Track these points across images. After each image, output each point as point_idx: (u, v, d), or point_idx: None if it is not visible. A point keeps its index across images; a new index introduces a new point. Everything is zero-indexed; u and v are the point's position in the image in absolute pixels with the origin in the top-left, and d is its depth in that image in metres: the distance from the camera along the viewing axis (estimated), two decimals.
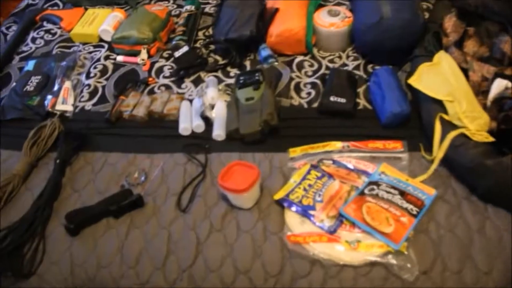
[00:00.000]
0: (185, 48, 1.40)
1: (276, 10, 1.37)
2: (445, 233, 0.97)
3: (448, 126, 1.07)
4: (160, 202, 1.07)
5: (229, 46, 1.37)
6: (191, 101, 1.29)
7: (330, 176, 1.06)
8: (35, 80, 1.43)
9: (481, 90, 1.13)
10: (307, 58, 1.37)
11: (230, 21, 1.41)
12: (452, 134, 1.04)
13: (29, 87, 1.41)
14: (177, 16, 1.59)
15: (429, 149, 1.10)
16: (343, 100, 1.19)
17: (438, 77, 1.13)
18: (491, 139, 1.04)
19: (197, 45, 1.48)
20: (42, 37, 1.63)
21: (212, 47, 1.45)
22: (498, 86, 1.08)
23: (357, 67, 1.33)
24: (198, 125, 1.22)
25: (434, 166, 1.06)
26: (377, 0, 1.29)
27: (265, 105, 1.18)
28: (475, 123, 1.05)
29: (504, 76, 1.11)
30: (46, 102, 1.35)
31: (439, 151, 1.06)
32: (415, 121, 1.17)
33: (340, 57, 1.37)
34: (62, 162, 1.16)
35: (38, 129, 1.24)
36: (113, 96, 1.34)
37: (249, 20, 1.38)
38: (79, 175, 1.16)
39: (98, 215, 1.06)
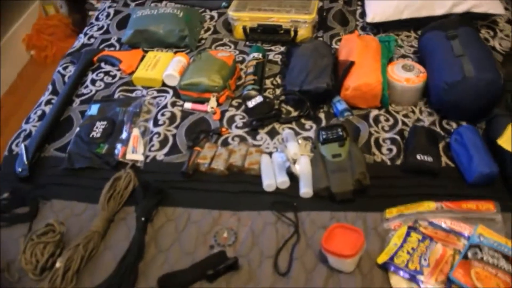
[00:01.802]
0: (259, 99, 1.40)
1: (352, 63, 1.38)
2: None
3: None
4: (255, 265, 1.05)
5: (304, 97, 1.37)
6: (270, 154, 1.28)
7: (431, 238, 1.06)
8: (100, 126, 1.41)
9: None
10: (382, 112, 1.38)
11: (304, 71, 1.41)
12: None
13: (96, 134, 1.38)
14: (240, 62, 1.59)
15: None
16: (430, 159, 1.20)
17: None
18: None
19: (266, 94, 1.47)
20: (102, 79, 1.61)
21: (283, 97, 1.45)
22: None
23: (432, 123, 1.34)
24: (283, 182, 1.20)
25: None
26: (458, 58, 1.31)
27: (355, 163, 1.18)
28: None
29: None
30: (116, 151, 1.32)
31: None
32: (499, 180, 1.18)
33: (413, 111, 1.38)
34: (145, 219, 1.14)
35: (114, 181, 1.21)
36: (187, 146, 1.33)
37: (323, 71, 1.38)
38: (162, 234, 1.13)
39: (193, 279, 1.03)
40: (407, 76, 1.36)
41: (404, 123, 1.34)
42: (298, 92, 1.39)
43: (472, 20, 1.58)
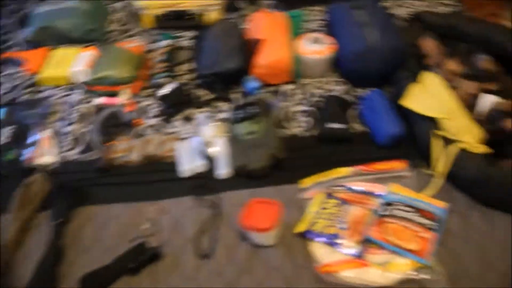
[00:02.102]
0: (172, 85, 1.37)
1: (261, 40, 1.38)
2: (462, 243, 1.03)
3: (444, 142, 1.14)
4: (179, 252, 1.04)
5: (216, 80, 1.36)
6: (186, 140, 1.27)
7: (348, 202, 1.08)
8: (8, 131, 1.34)
9: (467, 105, 1.21)
10: (293, 86, 1.39)
11: (214, 54, 1.40)
12: (455, 148, 1.11)
13: (4, 139, 1.31)
14: (151, 51, 1.55)
15: (426, 165, 1.16)
16: (342, 126, 1.23)
17: (429, 96, 1.20)
18: (489, 150, 1.12)
19: (183, 80, 1.45)
20: (6, 82, 1.52)
21: (197, 81, 1.43)
22: (489, 101, 1.17)
23: (345, 92, 1.37)
24: (201, 165, 1.19)
25: (440, 181, 1.12)
26: (362, 28, 1.34)
27: (270, 138, 1.19)
28: (471, 137, 1.13)
29: (489, 92, 1.20)
30: (24, 156, 1.26)
31: (443, 166, 1.12)
32: (407, 140, 1.23)
33: (326, 83, 1.40)
34: (60, 222, 1.09)
35: (23, 188, 1.15)
36: (101, 142, 1.28)
37: (233, 52, 1.38)
38: (82, 234, 1.09)
39: (115, 275, 1.00)
40: (316, 48, 1.38)
41: (317, 94, 1.37)
42: (210, 74, 1.38)
43: None
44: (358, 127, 1.28)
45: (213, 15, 1.60)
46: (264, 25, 1.43)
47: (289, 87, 1.39)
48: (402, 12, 1.64)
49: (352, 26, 1.36)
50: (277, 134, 1.22)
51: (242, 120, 1.24)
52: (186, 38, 1.59)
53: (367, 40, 1.30)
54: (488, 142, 1.16)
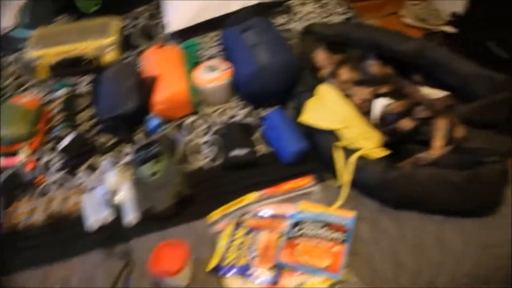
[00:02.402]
0: (71, 136, 1.32)
1: (155, 77, 1.36)
2: (373, 249, 1.04)
3: (345, 151, 1.15)
4: None
5: (117, 123, 1.33)
6: (91, 191, 1.22)
7: (257, 229, 1.07)
8: None
9: (363, 111, 1.24)
10: (196, 117, 1.38)
11: (111, 97, 1.37)
12: (354, 157, 1.13)
13: None
14: (48, 103, 1.49)
15: (333, 176, 1.17)
16: (244, 152, 1.22)
17: (325, 108, 1.22)
18: (387, 152, 1.15)
19: (83, 128, 1.40)
20: None
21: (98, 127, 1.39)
22: (380, 105, 1.20)
23: (247, 114, 1.37)
24: (108, 215, 1.15)
25: (346, 191, 1.13)
26: (252, 49, 1.35)
27: (173, 176, 1.16)
28: (370, 142, 1.15)
29: (380, 96, 1.23)
30: None
31: (346, 175, 1.13)
32: (312, 153, 1.24)
33: (228, 108, 1.40)
34: None
35: None
36: (2, 207, 1.22)
37: (130, 92, 1.35)
38: None
39: None
40: (212, 76, 1.38)
41: (220, 122, 1.36)
42: (110, 118, 1.34)
43: (267, 9, 1.66)
44: (263, 148, 1.28)
45: (109, 56, 1.57)
46: (157, 61, 1.42)
47: (192, 119, 1.37)
48: (298, 26, 1.67)
49: (243, 48, 1.37)
50: (181, 171, 1.20)
51: (144, 161, 1.21)
52: (84, 84, 1.55)
53: (257, 61, 1.31)
54: (388, 145, 1.19)
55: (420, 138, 1.18)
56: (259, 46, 1.34)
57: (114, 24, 1.61)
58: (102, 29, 1.59)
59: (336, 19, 1.71)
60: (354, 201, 1.14)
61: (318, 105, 1.23)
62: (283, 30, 1.67)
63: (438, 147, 1.14)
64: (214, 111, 1.39)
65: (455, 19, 2.39)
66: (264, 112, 1.36)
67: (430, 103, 1.22)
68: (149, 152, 1.22)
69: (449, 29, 2.37)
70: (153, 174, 1.19)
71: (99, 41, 1.55)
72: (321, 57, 1.35)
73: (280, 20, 1.72)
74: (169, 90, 1.34)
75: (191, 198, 1.16)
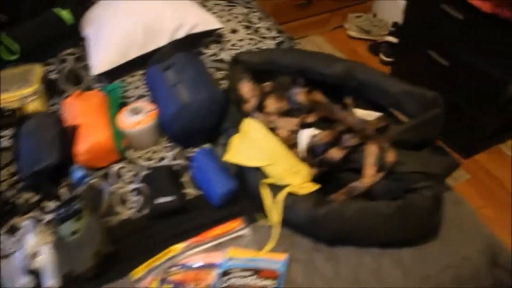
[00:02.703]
0: None
1: (76, 127, 1.29)
2: None
3: (274, 189, 1.10)
4: None
5: (38, 179, 1.25)
6: (10, 257, 1.14)
7: (183, 283, 1.01)
8: None
9: (292, 143, 1.19)
10: (123, 164, 1.31)
11: (32, 151, 1.29)
12: (281, 195, 1.07)
13: None
14: None
15: (264, 217, 1.12)
16: (170, 199, 1.16)
17: (251, 144, 1.16)
18: (316, 186, 1.09)
19: (4, 187, 1.32)
20: None
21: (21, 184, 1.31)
22: (305, 136, 1.15)
23: (175, 156, 1.31)
24: (26, 283, 1.07)
25: (277, 232, 1.07)
26: (173, 87, 1.29)
27: (94, 233, 1.09)
28: (298, 178, 1.10)
29: (308, 125, 1.18)
30: None
31: (275, 215, 1.08)
32: (243, 193, 1.18)
33: (156, 151, 1.33)
34: None
35: None
36: None
37: (51, 145, 1.27)
38: None
39: None
40: (136, 119, 1.31)
41: (147, 167, 1.29)
42: (31, 175, 1.26)
43: (195, 41, 1.62)
44: (192, 192, 1.22)
45: (33, 106, 1.49)
46: (78, 108, 1.35)
47: (118, 166, 1.30)
48: (229, 55, 1.63)
49: (165, 88, 1.31)
50: (103, 226, 1.12)
51: (65, 219, 1.13)
52: (6, 138, 1.47)
53: (179, 99, 1.26)
54: (320, 176, 1.14)
55: (352, 167, 1.14)
56: (180, 85, 1.29)
57: (36, 71, 1.54)
58: (24, 78, 1.51)
59: (269, 43, 1.67)
60: (287, 241, 1.08)
61: (242, 142, 1.18)
62: (216, 61, 1.62)
63: (369, 175, 1.10)
64: (142, 156, 1.33)
65: (396, 29, 2.38)
66: (193, 153, 1.30)
67: (361, 127, 1.18)
68: (70, 209, 1.15)
69: (392, 39, 2.36)
70: (74, 233, 1.11)
71: (21, 91, 1.47)
72: (245, 89, 1.30)
73: (212, 49, 1.67)
74: (91, 139, 1.27)
75: (114, 255, 1.09)
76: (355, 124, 1.19)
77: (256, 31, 1.74)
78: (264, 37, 1.70)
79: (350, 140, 1.12)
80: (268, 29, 1.74)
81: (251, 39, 1.69)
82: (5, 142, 1.45)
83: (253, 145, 1.16)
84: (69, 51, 1.72)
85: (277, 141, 1.16)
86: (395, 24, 2.39)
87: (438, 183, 1.08)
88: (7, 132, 1.48)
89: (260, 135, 1.17)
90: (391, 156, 1.10)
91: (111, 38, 1.55)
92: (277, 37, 1.69)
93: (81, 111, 1.34)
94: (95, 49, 1.56)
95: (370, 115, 1.32)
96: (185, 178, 1.25)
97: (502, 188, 1.95)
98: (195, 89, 1.27)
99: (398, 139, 1.15)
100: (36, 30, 1.61)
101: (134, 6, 1.60)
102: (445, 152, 1.17)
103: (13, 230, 1.21)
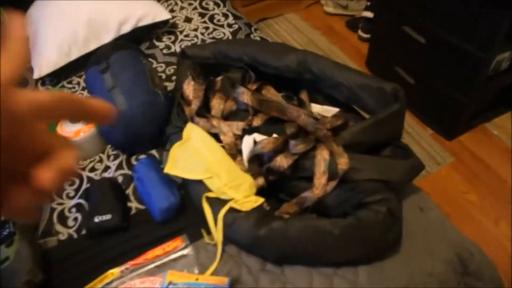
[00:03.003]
0: None
1: None
2: None
3: (217, 204, 1.00)
4: None
5: None
6: None
7: None
8: None
9: (238, 149, 1.09)
10: None
11: None
12: (221, 213, 0.98)
13: None
14: None
15: (207, 233, 1.03)
16: (108, 217, 1.07)
17: (192, 154, 1.06)
18: (260, 201, 0.99)
19: None
20: None
21: None
22: (247, 144, 1.04)
23: (120, 166, 1.21)
24: None
25: (219, 252, 0.98)
26: (110, 92, 1.19)
27: (24, 260, 1.01)
28: (241, 191, 1.00)
29: (251, 130, 1.08)
30: None
31: (217, 234, 0.99)
32: (190, 206, 1.09)
33: (100, 160, 1.24)
34: None
35: None
36: None
37: None
38: None
39: None
40: (76, 128, 1.21)
41: (90, 179, 1.20)
42: None
43: (144, 34, 1.50)
44: (136, 205, 1.13)
45: None
46: None
47: None
48: (180, 47, 1.51)
49: (103, 93, 1.20)
50: (33, 254, 1.04)
51: None
52: None
53: (116, 105, 1.15)
54: (268, 185, 1.04)
55: (303, 175, 1.04)
56: (117, 89, 1.18)
57: None
58: None
59: (225, 32, 1.55)
60: (233, 261, 0.99)
61: (182, 151, 1.08)
62: (168, 54, 1.51)
63: (320, 184, 1.00)
64: (85, 166, 1.23)
65: (372, 3, 2.23)
66: (136, 161, 1.21)
67: (315, 127, 1.07)
68: (2, 233, 1.07)
69: (369, 14, 2.21)
70: (4, 260, 1.03)
71: None
72: (188, 88, 1.19)
73: (165, 41, 1.55)
74: None
75: (47, 283, 1.01)
76: (308, 124, 1.08)
77: (211, 18, 1.61)
78: (220, 25, 1.57)
79: (297, 147, 1.01)
80: (225, 15, 1.61)
81: (205, 28, 1.57)
82: None
83: (193, 154, 1.06)
84: None
85: (219, 150, 1.05)
86: None
87: (396, 192, 0.98)
88: None
89: (200, 143, 1.07)
90: (343, 163, 0.99)
91: (51, 37, 1.44)
92: (234, 24, 1.57)
93: None
94: (35, 51, 1.45)
95: (327, 110, 1.21)
96: (130, 189, 1.16)
97: (488, 170, 1.84)
98: (131, 94, 1.17)
99: (353, 141, 1.04)
100: None
101: (75, 2, 1.47)
102: (409, 152, 1.06)
103: None
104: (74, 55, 1.44)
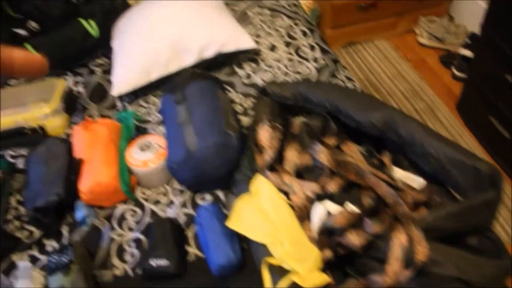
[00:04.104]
0: None
1: (80, 161, 1.20)
2: None
3: (277, 272, 0.93)
4: None
5: (39, 215, 1.19)
6: None
7: None
8: None
9: (307, 213, 1.01)
10: (129, 205, 1.20)
11: (37, 182, 1.22)
12: (280, 285, 0.91)
13: None
14: None
15: None
16: (165, 262, 1.03)
17: (257, 213, 1.00)
18: (325, 281, 0.91)
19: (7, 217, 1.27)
20: None
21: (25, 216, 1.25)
22: (319, 214, 0.96)
23: (184, 203, 1.18)
24: None
25: None
26: (181, 127, 1.15)
27: None
28: (305, 264, 0.92)
29: (325, 196, 0.99)
30: None
31: None
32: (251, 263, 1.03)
33: (165, 193, 1.21)
34: None
35: None
36: None
37: (55, 178, 1.20)
38: None
39: None
40: (145, 158, 1.19)
41: (153, 212, 1.18)
42: (33, 210, 1.20)
43: (227, 60, 1.45)
44: (195, 252, 1.09)
45: (53, 124, 1.42)
46: (83, 140, 1.25)
47: (123, 208, 1.20)
48: (261, 78, 1.45)
49: (175, 125, 1.17)
50: (90, 286, 1.03)
51: (54, 270, 1.06)
52: (23, 159, 1.42)
53: (186, 145, 1.11)
54: (332, 263, 0.96)
55: (374, 255, 0.94)
56: (189, 126, 1.14)
57: (59, 86, 1.46)
58: (45, 93, 1.45)
59: (310, 67, 1.47)
60: None
61: (250, 207, 1.02)
62: (248, 85, 1.45)
63: (393, 271, 0.90)
64: (149, 197, 1.21)
65: (473, 42, 2.04)
66: (202, 201, 1.17)
67: (394, 201, 0.97)
68: (60, 260, 1.07)
69: (466, 52, 2.02)
70: None
71: (39, 109, 1.40)
72: (264, 135, 1.12)
73: (246, 69, 1.50)
74: (94, 178, 1.17)
75: None
76: (387, 195, 0.98)
77: (297, 49, 1.53)
78: (305, 58, 1.49)
79: (373, 227, 0.92)
80: (312, 47, 1.52)
81: (289, 59, 1.50)
82: (22, 164, 1.40)
83: (259, 213, 1.00)
84: (100, 61, 1.63)
85: (286, 213, 0.98)
86: (472, 36, 2.04)
87: None
88: (25, 152, 1.43)
89: (268, 201, 1.00)
90: (422, 253, 0.88)
91: (134, 56, 1.43)
92: (320, 59, 1.48)
93: (88, 143, 1.24)
94: (117, 67, 1.45)
95: (411, 179, 1.10)
96: (191, 232, 1.12)
97: None
98: (203, 134, 1.12)
99: (436, 226, 0.93)
100: (62, 42, 1.52)
101: (162, 20, 1.46)
102: (500, 247, 0.93)
103: (11, 268, 1.16)
104: (154, 76, 1.42)
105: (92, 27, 1.50)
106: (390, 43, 2.38)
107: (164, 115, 1.28)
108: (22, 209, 1.26)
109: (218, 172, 1.14)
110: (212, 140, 1.11)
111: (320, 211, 0.96)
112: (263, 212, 1.00)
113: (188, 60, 1.43)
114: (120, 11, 1.63)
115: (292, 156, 1.11)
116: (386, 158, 1.12)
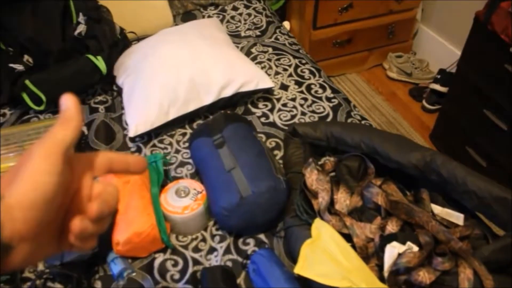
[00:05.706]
0: None
1: (115, 211, 1.12)
2: None
3: None
4: None
5: (68, 271, 1.09)
6: None
7: None
8: None
9: (369, 254, 1.04)
10: (168, 255, 1.14)
11: None
12: None
13: None
14: None
15: None
16: None
17: (325, 256, 1.00)
18: None
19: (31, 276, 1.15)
20: None
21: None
22: (391, 256, 0.99)
23: (227, 249, 1.14)
24: None
25: None
26: (230, 172, 1.13)
27: None
28: None
29: (392, 237, 1.02)
30: None
31: None
32: None
33: (204, 239, 1.17)
34: None
35: None
36: None
37: None
38: None
39: None
40: (183, 203, 1.14)
41: (195, 261, 1.13)
42: (61, 265, 1.09)
43: (240, 99, 1.45)
44: None
45: None
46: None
47: (162, 257, 1.14)
48: (278, 117, 1.46)
49: (220, 171, 1.14)
50: None
51: None
52: None
53: (238, 190, 1.09)
54: None
55: None
56: (238, 170, 1.12)
57: None
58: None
59: (325, 106, 1.50)
60: None
61: (316, 251, 1.01)
62: (267, 124, 1.45)
63: None
64: (188, 244, 1.16)
65: (442, 77, 2.22)
66: (245, 246, 1.14)
67: (447, 237, 1.03)
68: None
69: (438, 87, 2.20)
70: None
71: None
72: (312, 178, 1.13)
73: (261, 108, 1.50)
74: (132, 228, 1.10)
75: None
76: (439, 232, 1.04)
77: (308, 89, 1.57)
78: (318, 97, 1.53)
79: (444, 264, 0.96)
80: (322, 87, 1.57)
81: (303, 98, 1.52)
82: None
83: (328, 257, 1.00)
84: (100, 98, 1.55)
85: (353, 255, 1.00)
86: (441, 71, 2.22)
87: None
88: None
89: (332, 244, 1.01)
90: (489, 285, 0.94)
91: (151, 93, 1.38)
92: (333, 98, 1.53)
93: (120, 190, 1.17)
94: (132, 106, 1.39)
95: (449, 214, 1.16)
96: (241, 279, 1.09)
97: None
98: (255, 179, 1.11)
99: (491, 259, 1.00)
100: (67, 78, 1.42)
101: (179, 58, 1.42)
102: None
103: None
104: (172, 115, 1.38)
105: (100, 63, 1.42)
106: (361, 76, 2.51)
107: (199, 160, 1.24)
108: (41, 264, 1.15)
109: (268, 217, 1.13)
110: (265, 185, 1.10)
111: (393, 253, 0.98)
112: (329, 256, 1.00)
113: (207, 99, 1.40)
114: (121, 46, 1.56)
115: (343, 198, 1.13)
116: (425, 196, 1.18)
